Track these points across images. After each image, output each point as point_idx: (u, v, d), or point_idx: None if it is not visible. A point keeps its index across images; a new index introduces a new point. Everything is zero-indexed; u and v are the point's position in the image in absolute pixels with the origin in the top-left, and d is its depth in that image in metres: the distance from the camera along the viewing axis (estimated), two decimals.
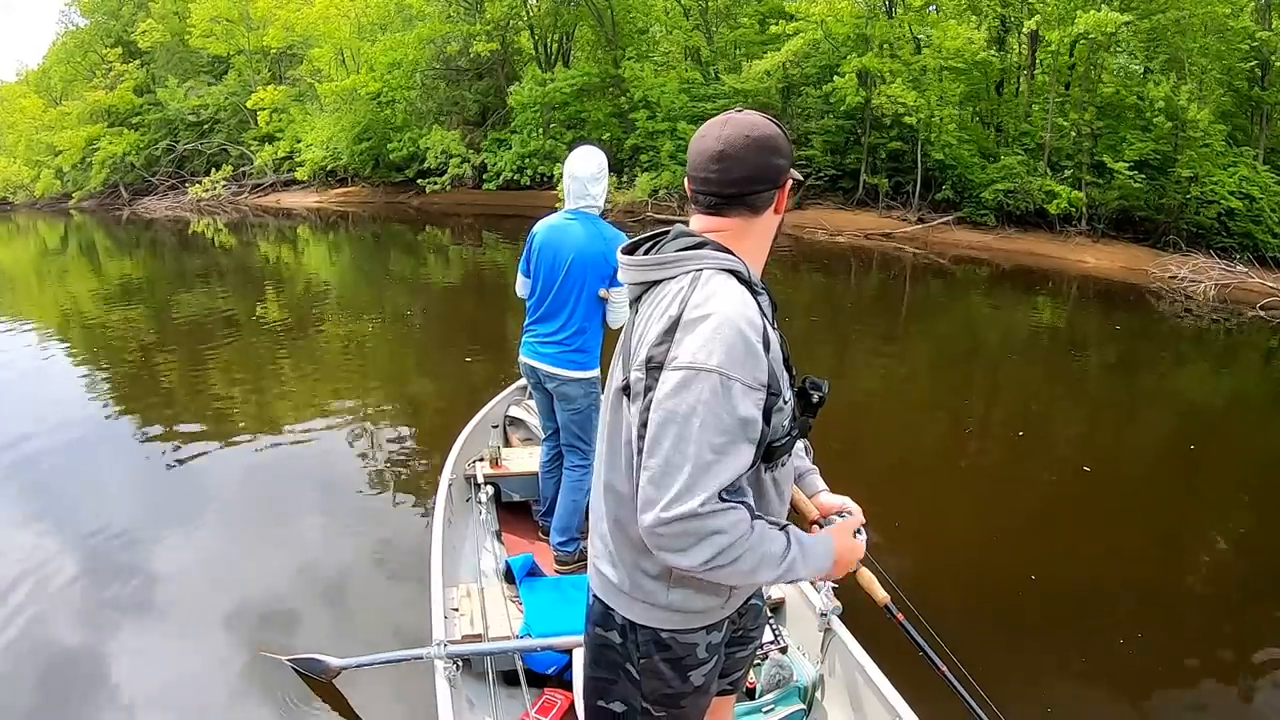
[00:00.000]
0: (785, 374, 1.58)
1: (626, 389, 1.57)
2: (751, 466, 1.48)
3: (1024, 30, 17.15)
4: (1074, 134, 17.28)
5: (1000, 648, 3.65)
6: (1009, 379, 8.94)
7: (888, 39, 18.30)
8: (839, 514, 1.84)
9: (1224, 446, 7.06)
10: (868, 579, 1.99)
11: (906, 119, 17.30)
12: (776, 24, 19.22)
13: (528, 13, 23.84)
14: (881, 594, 1.98)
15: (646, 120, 21.23)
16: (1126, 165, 15.65)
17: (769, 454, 1.56)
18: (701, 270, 1.52)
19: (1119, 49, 16.68)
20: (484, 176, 23.08)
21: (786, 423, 1.58)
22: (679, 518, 1.39)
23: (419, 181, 24.16)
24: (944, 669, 2.10)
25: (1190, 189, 15.49)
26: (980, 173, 17.97)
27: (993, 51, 18.18)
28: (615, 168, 21.14)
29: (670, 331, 1.47)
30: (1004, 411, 7.72)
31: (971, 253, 16.69)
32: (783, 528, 1.55)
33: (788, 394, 1.58)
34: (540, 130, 22.67)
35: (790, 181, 1.61)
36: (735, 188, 1.55)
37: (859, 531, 1.82)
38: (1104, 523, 5.16)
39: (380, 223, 23.15)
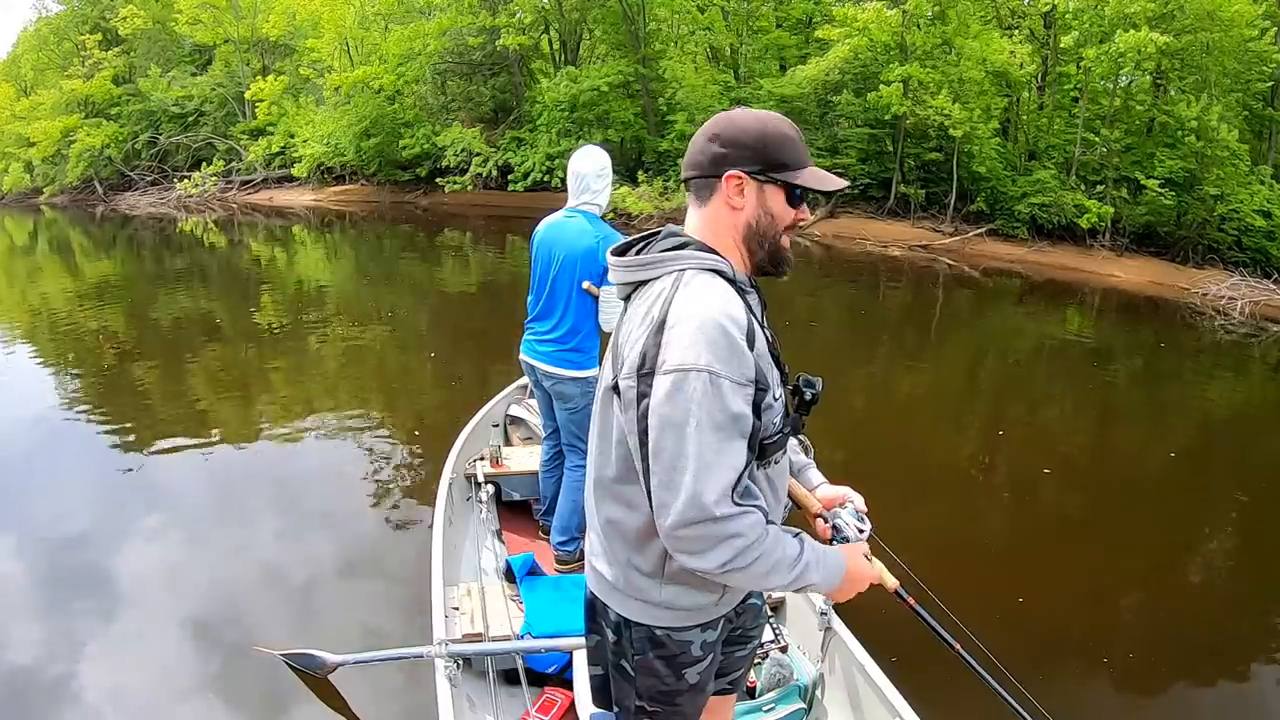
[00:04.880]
0: (774, 371, 1.68)
1: (617, 389, 1.66)
2: (748, 466, 1.58)
3: (1061, 45, 17.61)
4: (1103, 150, 17.76)
5: (1016, 646, 3.81)
6: (1046, 391, 9.21)
7: (927, 47, 18.65)
8: (841, 504, 1.96)
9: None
10: (877, 567, 2.02)
11: (952, 131, 17.67)
12: (823, 28, 19.53)
13: (546, 6, 23.77)
14: (891, 580, 2.03)
15: (686, 123, 21.13)
16: (1158, 182, 16.26)
17: (761, 451, 1.67)
18: (684, 270, 1.62)
19: (1138, 70, 17.20)
20: (509, 177, 23.02)
21: (778, 420, 1.69)
22: (695, 520, 1.49)
23: (438, 181, 24.09)
24: (959, 648, 2.15)
25: (1216, 206, 16.12)
26: (1012, 185, 18.41)
27: (1032, 67, 18.56)
28: (643, 170, 21.30)
29: (657, 334, 1.56)
30: (1034, 422, 7.96)
31: (1006, 265, 17.08)
32: (796, 534, 1.66)
33: (778, 390, 1.68)
34: (567, 129, 22.64)
35: (744, 178, 1.65)
36: (685, 172, 1.71)
37: (861, 519, 1.94)
38: (1127, 531, 5.38)
39: (386, 223, 23.15)
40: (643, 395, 1.56)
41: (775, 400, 1.67)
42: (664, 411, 1.52)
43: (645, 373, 1.56)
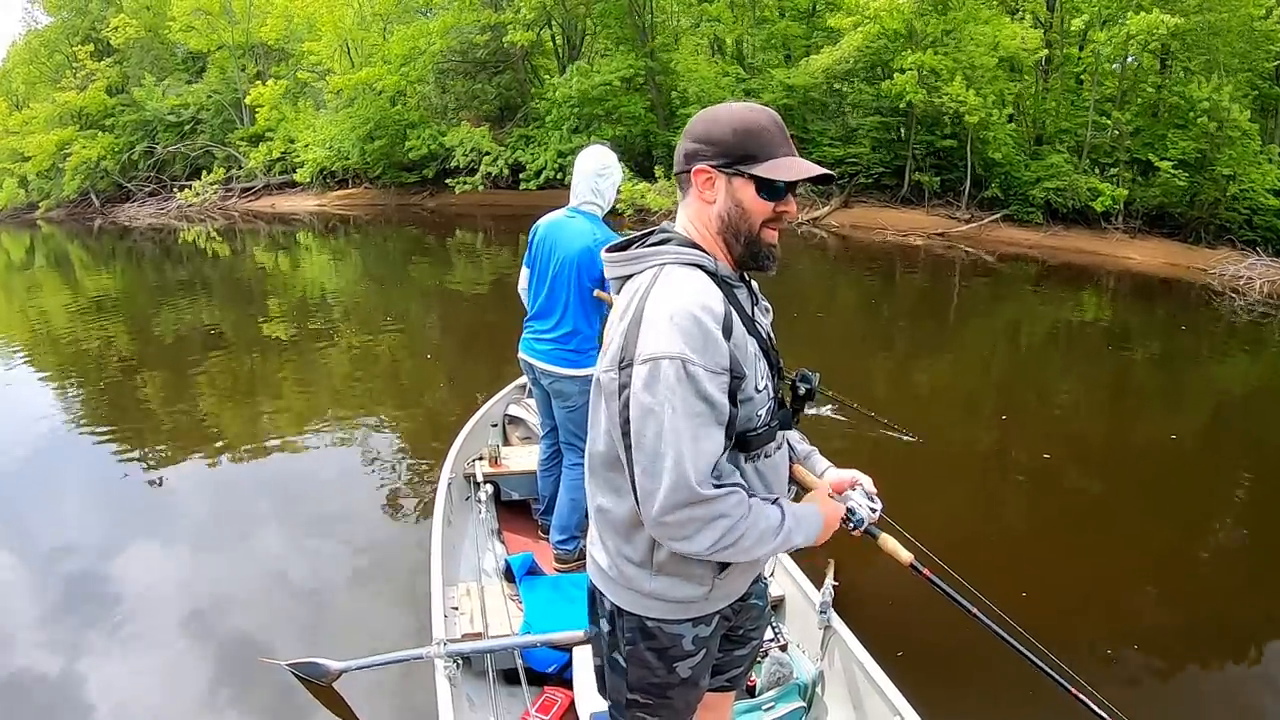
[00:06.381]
0: (761, 363, 1.75)
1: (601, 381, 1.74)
2: (724, 451, 1.65)
3: (1070, 29, 17.76)
4: (1114, 132, 17.94)
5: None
6: (1063, 377, 9.28)
7: (936, 34, 18.75)
8: (851, 487, 2.01)
9: None
10: (892, 545, 2.09)
11: (967, 118, 17.80)
12: (834, 17, 19.65)
13: (549, 2, 23.73)
14: (905, 555, 2.08)
15: None
16: (1171, 164, 16.46)
17: (746, 444, 1.74)
18: (664, 265, 1.70)
19: (1145, 51, 17.39)
20: (521, 175, 23.12)
21: (761, 413, 1.75)
22: (681, 504, 1.56)
23: (448, 181, 24.24)
24: (978, 613, 2.21)
25: (1229, 186, 16.36)
26: (1025, 170, 18.57)
27: (1044, 52, 18.66)
28: (659, 165, 21.34)
29: (634, 327, 1.64)
30: (1051, 407, 8.03)
31: (1022, 250, 17.25)
32: (774, 501, 1.73)
33: (761, 382, 1.74)
34: (577, 126, 22.75)
35: (713, 172, 1.70)
36: (675, 166, 1.80)
37: (872, 499, 1.99)
38: (1144, 514, 5.48)
39: (393, 226, 23.24)
40: (624, 386, 1.64)
41: (757, 392, 1.72)
42: (643, 400, 1.59)
43: (625, 364, 1.64)
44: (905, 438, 5.91)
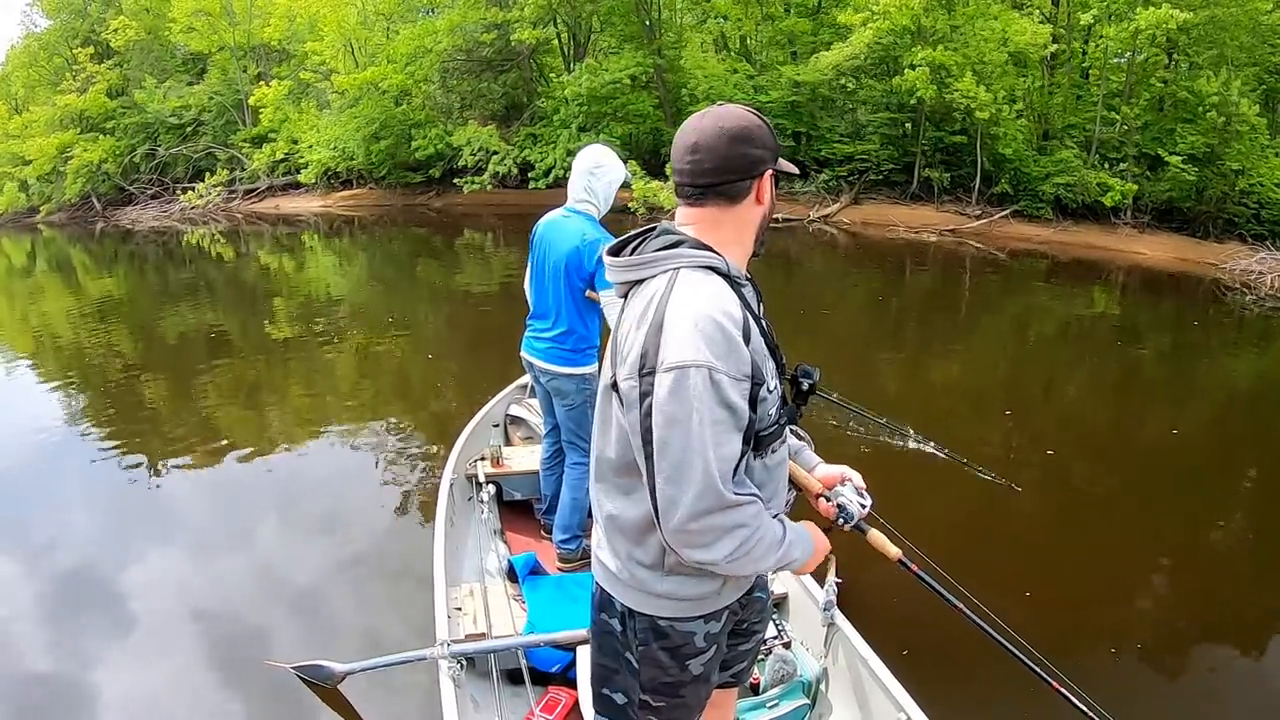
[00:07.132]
0: (770, 362, 1.75)
1: (616, 388, 1.74)
2: (742, 456, 1.67)
3: (1079, 24, 17.82)
4: (1123, 127, 17.99)
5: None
6: (1082, 372, 9.33)
7: (944, 30, 18.76)
8: (841, 482, 2.04)
9: None
10: (880, 540, 2.13)
11: (979, 114, 17.82)
12: (844, 14, 19.69)
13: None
14: (894, 550, 2.12)
15: None
16: (1180, 158, 16.51)
17: (758, 442, 1.75)
18: (679, 269, 1.70)
19: (1153, 46, 17.44)
20: (529, 174, 23.08)
21: (773, 411, 1.77)
22: (709, 510, 1.59)
23: (456, 181, 24.22)
24: (964, 608, 2.25)
25: (1237, 181, 16.41)
26: (1035, 166, 18.63)
27: (1054, 47, 18.70)
28: (660, 164, 21.36)
29: (655, 333, 1.64)
30: (1065, 403, 8.09)
31: (1033, 246, 17.27)
32: (775, 515, 1.78)
33: (772, 383, 1.75)
34: (585, 124, 22.74)
35: (771, 173, 1.77)
36: (707, 178, 1.73)
37: (862, 495, 2.03)
38: (1151, 512, 5.49)
39: (398, 227, 23.28)
40: (645, 394, 1.64)
41: (770, 392, 1.74)
42: (668, 409, 1.60)
43: (646, 372, 1.64)
44: (997, 481, 5.69)
